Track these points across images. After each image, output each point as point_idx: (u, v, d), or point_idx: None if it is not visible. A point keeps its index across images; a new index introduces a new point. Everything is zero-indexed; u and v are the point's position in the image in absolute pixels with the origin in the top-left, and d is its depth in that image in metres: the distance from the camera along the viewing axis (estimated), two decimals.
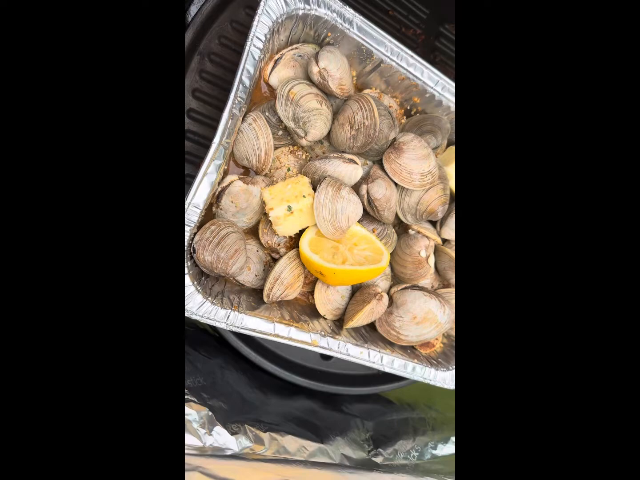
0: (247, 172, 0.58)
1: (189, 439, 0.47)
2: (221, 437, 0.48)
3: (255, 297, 0.57)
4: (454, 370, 0.66)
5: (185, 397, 0.49)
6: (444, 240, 0.67)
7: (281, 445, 0.52)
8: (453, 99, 0.63)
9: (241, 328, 0.51)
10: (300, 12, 0.53)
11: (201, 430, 0.48)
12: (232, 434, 0.49)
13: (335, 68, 0.53)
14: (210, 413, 0.49)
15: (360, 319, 0.58)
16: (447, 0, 0.72)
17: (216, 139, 0.48)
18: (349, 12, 0.55)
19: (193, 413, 0.50)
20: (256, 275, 0.57)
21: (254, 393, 0.57)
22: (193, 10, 0.57)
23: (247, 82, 0.50)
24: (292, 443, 0.53)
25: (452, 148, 0.68)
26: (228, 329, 0.50)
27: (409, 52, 0.59)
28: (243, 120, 0.53)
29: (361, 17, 0.56)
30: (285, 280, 0.55)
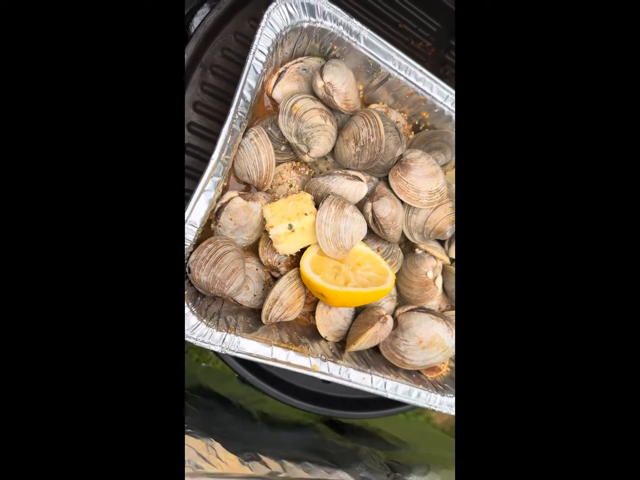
0: (249, 188, 0.56)
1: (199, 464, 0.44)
2: (233, 464, 0.46)
3: (253, 318, 0.54)
4: None
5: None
6: (452, 260, 0.64)
7: (299, 470, 0.50)
8: None
9: (237, 352, 0.49)
10: (305, 25, 0.51)
11: (210, 458, 0.45)
12: (246, 460, 0.47)
13: (340, 82, 0.51)
14: (216, 442, 0.47)
15: (363, 343, 0.55)
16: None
17: (215, 155, 0.47)
18: (355, 25, 0.53)
19: (196, 444, 0.47)
20: (255, 295, 0.55)
21: (255, 428, 0.55)
22: (196, 21, 0.56)
23: (248, 96, 0.48)
24: (310, 469, 0.51)
25: None
26: (223, 352, 0.48)
27: (418, 66, 0.57)
28: (244, 135, 0.51)
29: (368, 30, 0.54)
30: (284, 301, 0.53)
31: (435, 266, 0.59)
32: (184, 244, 0.47)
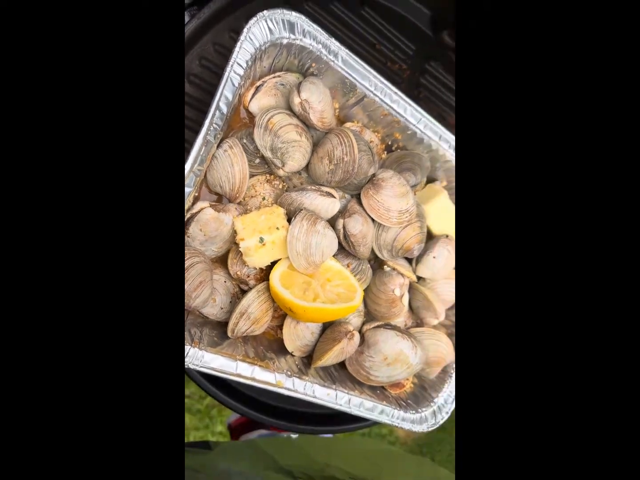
0: (220, 199, 0.56)
1: None
2: None
3: (219, 331, 0.54)
4: (422, 413, 0.64)
5: None
6: (419, 278, 0.66)
7: None
8: (435, 136, 0.63)
9: (201, 366, 0.48)
10: (285, 41, 0.52)
11: None
12: None
13: (317, 100, 0.52)
14: None
15: (329, 359, 0.55)
16: (433, 39, 0.72)
17: (187, 166, 0.46)
18: (334, 44, 0.54)
19: None
20: (222, 308, 0.54)
21: None
22: None
23: (224, 108, 0.48)
24: None
25: (430, 186, 0.67)
26: (186, 366, 0.47)
27: (393, 88, 0.58)
28: (218, 146, 0.51)
29: (346, 51, 0.55)
30: (252, 315, 0.52)
31: (402, 284, 0.61)
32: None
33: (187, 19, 0.56)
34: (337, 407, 0.57)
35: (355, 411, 0.58)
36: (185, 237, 0.52)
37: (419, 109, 0.60)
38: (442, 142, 0.63)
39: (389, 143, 0.64)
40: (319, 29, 0.53)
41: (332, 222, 0.56)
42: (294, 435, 0.66)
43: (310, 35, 0.53)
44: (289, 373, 0.54)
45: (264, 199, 0.56)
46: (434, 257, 0.63)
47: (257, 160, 0.55)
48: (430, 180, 0.68)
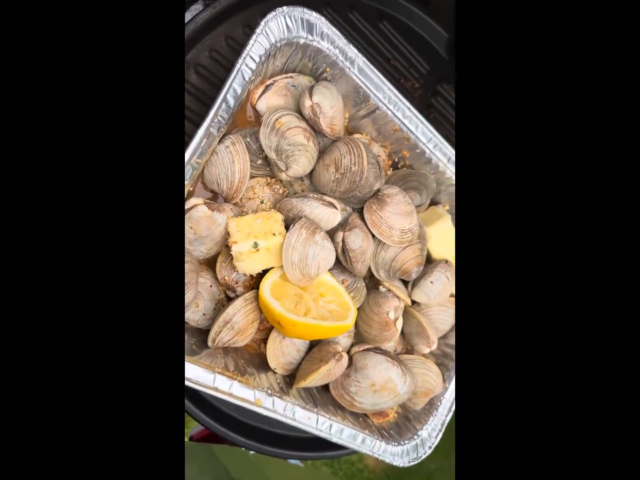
0: (215, 197, 0.52)
1: None
2: None
3: (198, 339, 0.50)
4: (405, 446, 0.60)
5: None
6: (413, 302, 0.63)
7: None
8: (444, 158, 0.61)
9: None
10: (302, 41, 0.50)
11: None
12: None
13: (328, 105, 0.50)
14: None
15: (314, 380, 0.52)
16: (447, 61, 0.72)
17: (185, 157, 0.43)
18: (352, 51, 0.52)
19: None
20: (204, 314, 0.50)
21: None
22: (187, 17, 0.53)
23: (231, 101, 0.45)
24: None
25: (434, 208, 0.65)
26: None
27: (407, 103, 0.56)
28: (220, 141, 0.48)
29: (364, 59, 0.53)
30: (236, 325, 0.48)
31: (397, 307, 0.57)
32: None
33: (200, 7, 0.54)
34: (317, 432, 0.53)
35: (335, 439, 0.54)
36: None
37: (430, 127, 0.58)
38: (450, 164, 0.61)
39: (396, 160, 0.62)
40: (338, 32, 0.51)
41: (330, 234, 0.53)
42: (251, 451, 0.61)
43: (328, 38, 0.51)
44: (270, 391, 0.50)
45: (262, 202, 0.52)
46: (432, 282, 0.60)
47: (259, 161, 0.52)
48: (433, 203, 0.66)
